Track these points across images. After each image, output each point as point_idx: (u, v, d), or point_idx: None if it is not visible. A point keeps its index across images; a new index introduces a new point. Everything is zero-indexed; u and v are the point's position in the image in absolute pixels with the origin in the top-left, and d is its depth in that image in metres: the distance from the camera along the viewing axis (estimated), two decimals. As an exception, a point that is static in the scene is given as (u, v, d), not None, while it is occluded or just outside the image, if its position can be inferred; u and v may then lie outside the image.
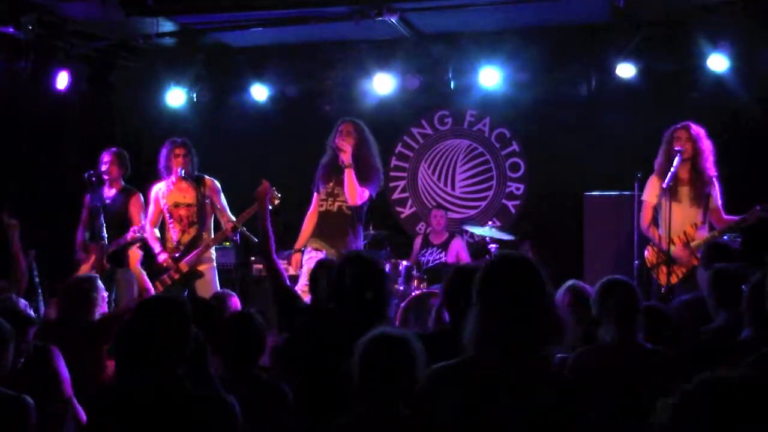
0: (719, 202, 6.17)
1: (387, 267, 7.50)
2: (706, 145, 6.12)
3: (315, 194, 6.43)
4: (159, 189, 6.62)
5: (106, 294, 4.78)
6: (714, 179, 6.14)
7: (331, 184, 6.27)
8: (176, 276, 6.39)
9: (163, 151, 6.57)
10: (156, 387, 2.78)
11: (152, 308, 2.93)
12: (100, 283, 4.70)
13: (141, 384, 2.81)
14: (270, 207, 4.81)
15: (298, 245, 6.36)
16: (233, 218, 6.45)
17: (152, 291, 6.23)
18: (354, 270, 3.54)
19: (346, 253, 4.05)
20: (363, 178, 6.16)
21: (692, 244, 6.02)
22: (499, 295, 2.58)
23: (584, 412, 2.65)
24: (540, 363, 2.60)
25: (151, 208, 6.64)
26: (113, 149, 6.91)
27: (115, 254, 6.60)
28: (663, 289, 6.02)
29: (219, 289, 6.38)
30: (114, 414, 2.77)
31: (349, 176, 6.07)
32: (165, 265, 6.43)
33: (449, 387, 2.58)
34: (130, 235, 6.53)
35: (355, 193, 6.09)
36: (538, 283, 2.59)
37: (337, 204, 6.24)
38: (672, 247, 5.95)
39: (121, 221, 6.69)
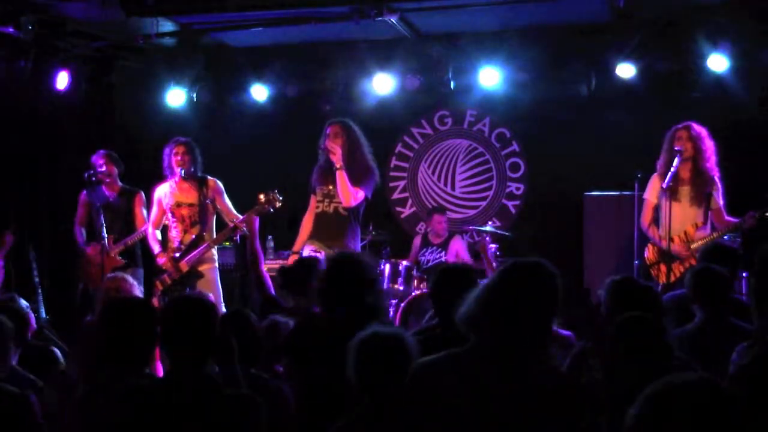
0: (721, 202, 6.17)
1: (386, 267, 7.51)
2: (708, 145, 6.12)
3: (312, 196, 6.44)
4: (162, 190, 6.59)
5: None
6: (716, 179, 6.14)
7: (328, 186, 6.28)
8: (176, 276, 6.39)
9: (166, 150, 6.56)
10: (187, 385, 2.78)
11: (175, 308, 2.94)
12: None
13: (172, 382, 2.82)
14: (272, 210, 5.30)
15: (296, 247, 6.36)
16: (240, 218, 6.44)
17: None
18: (348, 272, 3.58)
19: (336, 255, 4.10)
20: (356, 179, 6.15)
21: (692, 246, 6.02)
22: (513, 299, 2.61)
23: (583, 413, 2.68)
24: (536, 363, 2.64)
25: (154, 209, 6.62)
26: (102, 151, 6.94)
27: (123, 254, 6.64)
28: (660, 287, 6.03)
29: (220, 289, 6.39)
30: (147, 412, 2.77)
31: (341, 178, 6.08)
32: (164, 267, 6.43)
33: (437, 380, 2.61)
34: (138, 236, 6.60)
35: (349, 194, 6.09)
36: (550, 291, 2.64)
37: (333, 205, 6.25)
38: (671, 244, 5.97)
39: (125, 220, 6.75)
